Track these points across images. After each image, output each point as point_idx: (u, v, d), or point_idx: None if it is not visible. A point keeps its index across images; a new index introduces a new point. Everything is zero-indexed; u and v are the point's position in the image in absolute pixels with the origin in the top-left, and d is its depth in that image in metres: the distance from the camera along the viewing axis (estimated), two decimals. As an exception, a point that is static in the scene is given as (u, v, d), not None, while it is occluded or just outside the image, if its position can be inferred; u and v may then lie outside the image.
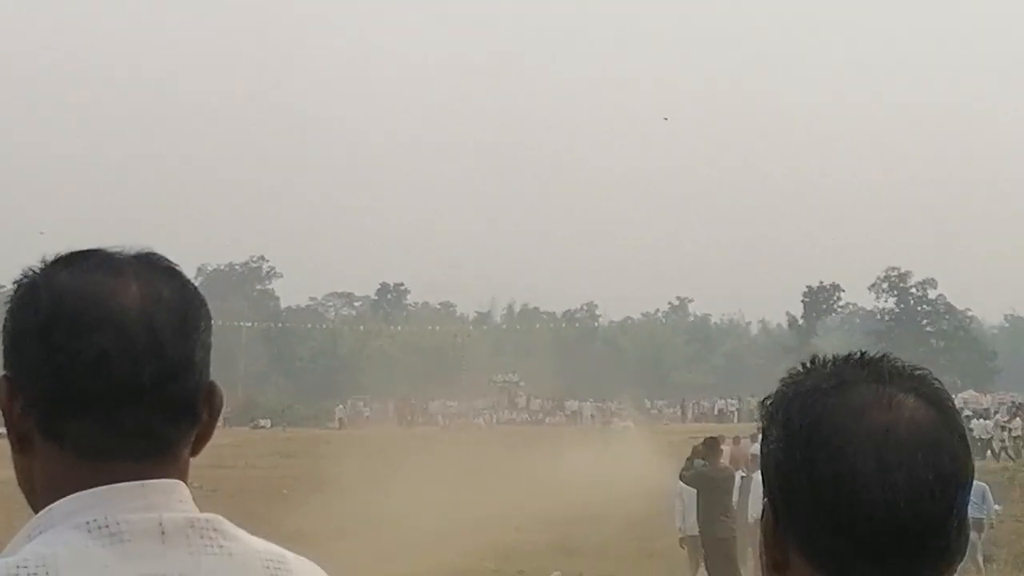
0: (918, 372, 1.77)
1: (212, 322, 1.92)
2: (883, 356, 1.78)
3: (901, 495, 1.66)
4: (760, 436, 1.77)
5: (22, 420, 1.85)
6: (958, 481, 1.69)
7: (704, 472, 19.43)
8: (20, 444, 1.87)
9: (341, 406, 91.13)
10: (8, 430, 1.85)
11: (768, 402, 1.83)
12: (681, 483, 20.82)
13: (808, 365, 1.81)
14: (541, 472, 37.56)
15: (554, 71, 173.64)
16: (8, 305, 1.88)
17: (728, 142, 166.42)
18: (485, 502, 29.86)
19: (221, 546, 1.87)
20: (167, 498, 1.85)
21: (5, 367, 1.88)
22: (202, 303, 1.92)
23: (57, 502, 1.81)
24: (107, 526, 1.78)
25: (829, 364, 1.79)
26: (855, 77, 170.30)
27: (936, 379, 1.78)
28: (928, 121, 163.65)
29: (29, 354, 1.84)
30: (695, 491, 19.90)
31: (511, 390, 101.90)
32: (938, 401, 1.73)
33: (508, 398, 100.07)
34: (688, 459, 21.25)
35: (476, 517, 27.89)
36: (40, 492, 1.85)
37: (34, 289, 1.86)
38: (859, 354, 1.79)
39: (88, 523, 1.78)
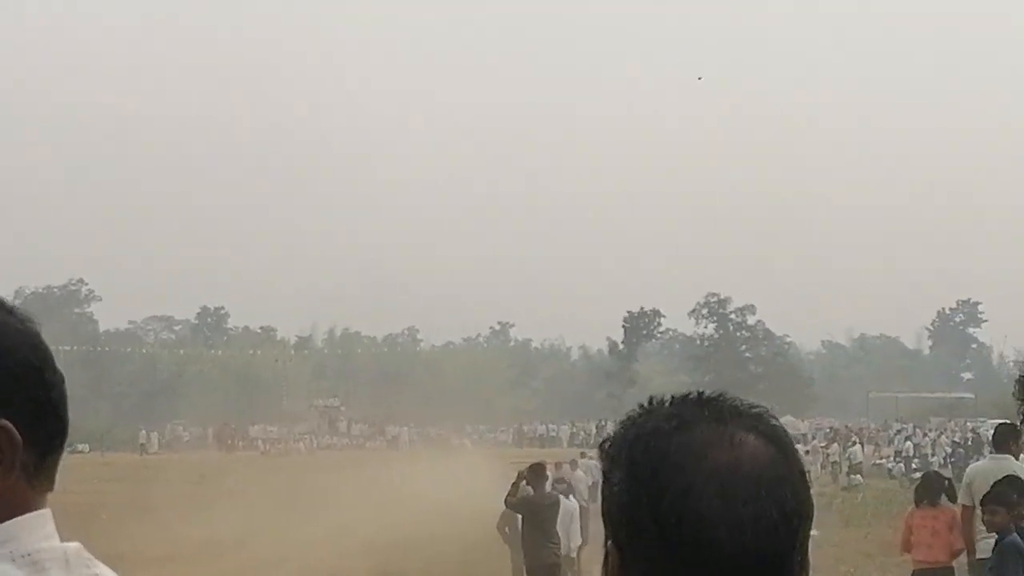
0: (755, 410, 1.78)
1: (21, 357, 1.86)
2: (720, 395, 1.79)
3: (747, 532, 1.65)
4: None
5: None
6: (801, 516, 1.72)
7: (529, 498, 19.50)
8: None
9: (144, 432, 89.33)
10: None
11: (607, 445, 1.82)
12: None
13: (646, 406, 1.81)
14: (365, 497, 37.48)
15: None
16: None
17: (549, 167, 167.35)
18: (310, 528, 29.74)
19: (96, 574, 1.88)
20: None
21: None
22: None
23: None
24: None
25: (667, 404, 1.79)
26: (654, 95, 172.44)
27: (773, 416, 1.79)
28: (742, 146, 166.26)
29: None
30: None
31: (332, 414, 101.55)
32: (777, 439, 1.75)
33: (329, 423, 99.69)
34: (513, 484, 21.37)
35: (302, 542, 27.77)
36: None
37: None
38: (697, 393, 1.80)
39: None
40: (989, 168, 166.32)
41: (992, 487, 11.44)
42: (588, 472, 34.57)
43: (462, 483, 36.14)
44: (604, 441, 1.81)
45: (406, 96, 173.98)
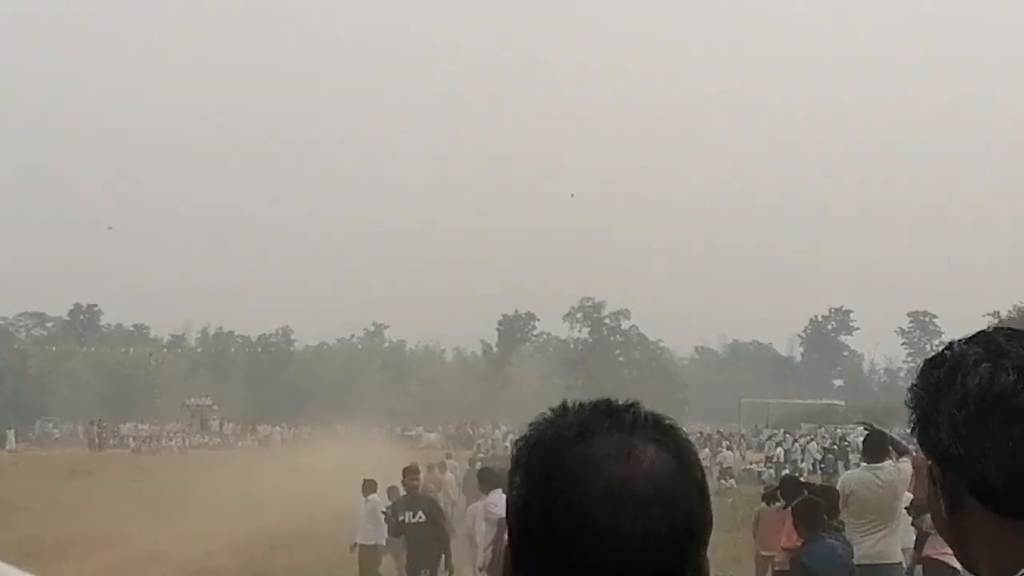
0: (665, 422, 1.80)
1: None
2: (630, 405, 1.81)
3: (634, 547, 1.67)
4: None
5: None
6: (692, 533, 1.72)
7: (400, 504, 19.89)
8: None
9: (12, 429, 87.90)
10: None
11: (516, 446, 1.85)
12: (365, 499, 21.59)
13: (555, 411, 1.83)
14: (236, 495, 37.64)
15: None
16: None
17: (424, 168, 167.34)
18: (179, 525, 29.87)
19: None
20: None
21: None
22: None
23: None
24: None
25: (575, 411, 1.80)
26: (532, 100, 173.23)
27: (680, 429, 1.82)
28: (617, 148, 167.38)
29: None
30: (380, 506, 20.69)
31: (204, 414, 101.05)
32: (679, 452, 1.76)
33: (201, 422, 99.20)
34: (392, 487, 21.87)
35: (172, 540, 27.92)
36: None
37: None
38: (607, 402, 1.81)
39: None
40: (861, 179, 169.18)
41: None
42: (455, 473, 35.16)
43: (332, 482, 36.40)
44: (517, 440, 1.85)
45: (274, 104, 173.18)
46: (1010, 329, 2.02)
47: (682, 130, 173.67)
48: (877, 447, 13.69)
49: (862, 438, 15.14)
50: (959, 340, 2.02)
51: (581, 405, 1.81)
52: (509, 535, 1.79)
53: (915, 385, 2.02)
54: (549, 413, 1.82)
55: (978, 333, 2.03)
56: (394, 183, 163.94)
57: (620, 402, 1.81)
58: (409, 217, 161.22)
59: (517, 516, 1.75)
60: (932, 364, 2.02)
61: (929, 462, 1.99)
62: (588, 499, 1.68)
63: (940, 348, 2.04)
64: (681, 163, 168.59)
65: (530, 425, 1.82)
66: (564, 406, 1.82)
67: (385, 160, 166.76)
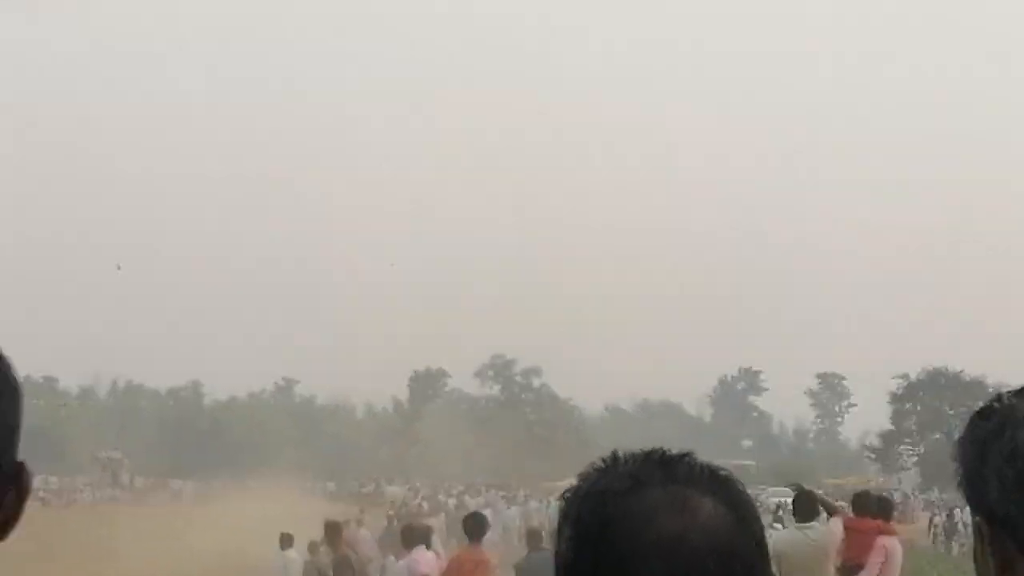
0: (722, 473, 1.74)
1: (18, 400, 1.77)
2: (684, 456, 1.74)
3: None
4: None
5: None
6: None
7: (324, 560, 20.37)
8: None
9: None
10: None
11: (564, 497, 1.80)
12: (283, 555, 22.04)
13: (606, 461, 1.77)
14: (147, 549, 37.75)
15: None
16: None
17: (331, 222, 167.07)
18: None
19: None
20: None
21: None
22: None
23: None
24: None
25: (627, 462, 1.75)
26: (435, 153, 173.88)
27: (738, 481, 1.76)
28: (520, 204, 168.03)
29: None
30: (298, 562, 21.19)
31: (115, 467, 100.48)
32: (736, 505, 1.70)
33: (112, 475, 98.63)
34: (312, 542, 22.34)
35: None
36: None
37: None
38: (660, 452, 1.75)
39: None
40: (768, 241, 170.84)
41: None
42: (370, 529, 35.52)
43: (242, 538, 36.59)
44: (564, 492, 1.81)
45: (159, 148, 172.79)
46: None
47: (593, 189, 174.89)
48: (807, 506, 13.72)
49: (790, 499, 14.93)
50: (1008, 393, 1.90)
51: (633, 455, 1.76)
52: None
53: (962, 438, 1.90)
54: (600, 463, 1.78)
55: None
56: (303, 235, 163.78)
57: (674, 452, 1.76)
58: (318, 270, 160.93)
59: (566, 568, 1.70)
60: (980, 416, 1.89)
61: (977, 518, 1.85)
62: (640, 554, 1.63)
63: (988, 401, 1.91)
64: (592, 221, 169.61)
65: (579, 476, 1.80)
66: (615, 456, 1.78)
67: (294, 212, 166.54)
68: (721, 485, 1.70)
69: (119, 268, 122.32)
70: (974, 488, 1.85)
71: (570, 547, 1.69)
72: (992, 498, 1.79)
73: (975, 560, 1.89)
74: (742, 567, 1.64)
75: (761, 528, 1.72)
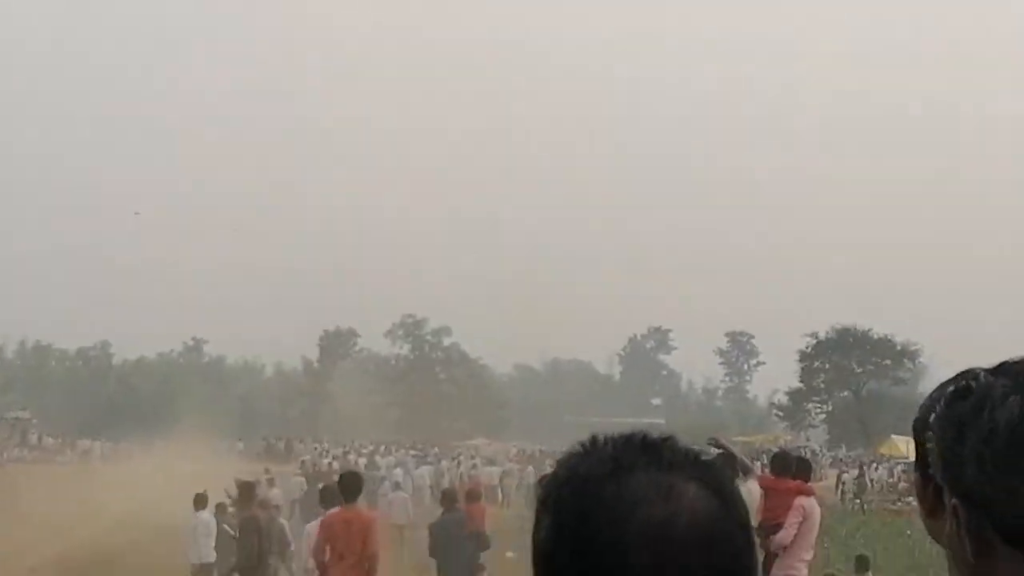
0: (703, 458, 1.69)
1: None
2: (666, 439, 1.70)
3: None
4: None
5: None
6: (737, 575, 1.63)
7: (231, 521, 20.39)
8: None
9: None
10: None
11: (542, 482, 1.77)
12: (196, 516, 21.97)
13: (585, 444, 1.72)
14: (56, 511, 37.46)
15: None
16: None
17: (249, 176, 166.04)
18: (5, 542, 29.73)
19: None
20: None
21: None
22: None
23: None
24: None
25: (607, 445, 1.70)
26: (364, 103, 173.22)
27: (719, 465, 1.72)
28: (437, 163, 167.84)
29: None
30: (211, 523, 21.18)
31: (22, 427, 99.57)
32: (720, 490, 1.65)
33: (19, 435, 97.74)
34: (220, 503, 22.34)
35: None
36: None
37: None
38: (641, 436, 1.70)
39: None
40: (680, 201, 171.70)
41: None
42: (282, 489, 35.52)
43: (151, 497, 36.44)
44: (541, 478, 1.77)
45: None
46: None
47: (498, 150, 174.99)
48: (725, 467, 13.96)
49: None
50: (984, 370, 1.87)
51: (614, 439, 1.71)
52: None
53: (937, 418, 1.87)
54: (579, 447, 1.72)
55: (1004, 363, 1.87)
56: (216, 198, 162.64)
57: (656, 435, 1.71)
58: (229, 231, 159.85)
59: (546, 561, 1.65)
60: (956, 395, 1.86)
61: (953, 500, 1.81)
62: (624, 541, 1.58)
63: (965, 379, 1.88)
64: (500, 180, 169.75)
65: (557, 462, 1.75)
66: (595, 439, 1.73)
67: (206, 173, 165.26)
68: (705, 470, 1.66)
69: (137, 214, 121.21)
70: (950, 469, 1.82)
71: (551, 537, 1.64)
72: (969, 479, 1.77)
73: (949, 542, 1.86)
74: (728, 553, 1.61)
75: (746, 513, 1.68)
